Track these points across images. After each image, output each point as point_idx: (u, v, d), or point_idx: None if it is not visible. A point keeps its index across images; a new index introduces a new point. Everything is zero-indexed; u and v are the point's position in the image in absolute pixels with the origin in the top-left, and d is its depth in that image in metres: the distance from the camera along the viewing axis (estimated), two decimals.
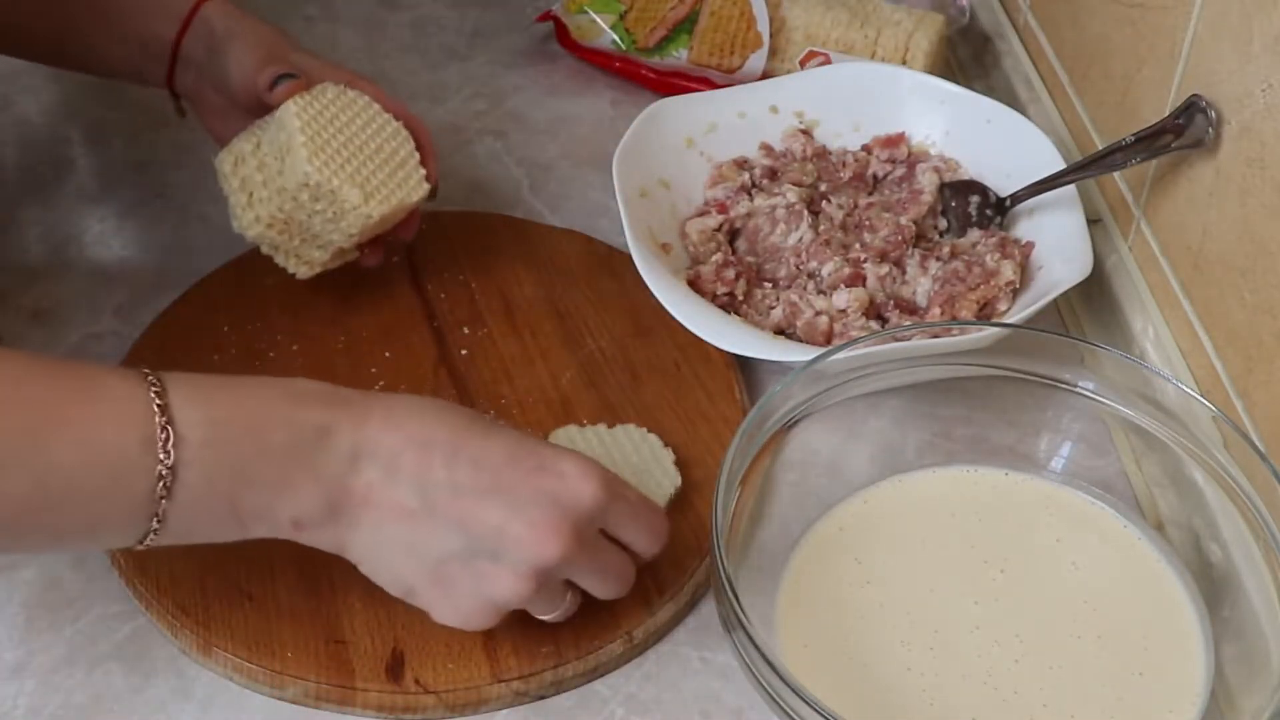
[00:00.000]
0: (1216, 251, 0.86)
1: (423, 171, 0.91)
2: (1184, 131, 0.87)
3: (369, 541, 0.71)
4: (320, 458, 0.69)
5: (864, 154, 1.05)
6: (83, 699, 0.76)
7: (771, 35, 1.14)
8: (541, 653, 0.78)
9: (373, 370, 0.92)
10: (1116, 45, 0.99)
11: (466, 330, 0.96)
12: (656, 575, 0.82)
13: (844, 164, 1.04)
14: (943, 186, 1.01)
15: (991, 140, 1.02)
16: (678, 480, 0.85)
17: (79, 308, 0.97)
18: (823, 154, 1.05)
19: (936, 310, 0.93)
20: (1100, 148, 0.98)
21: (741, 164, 1.03)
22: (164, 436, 0.66)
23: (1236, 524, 0.78)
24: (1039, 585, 0.80)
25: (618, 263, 1.00)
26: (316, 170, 0.85)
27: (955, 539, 0.82)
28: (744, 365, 0.94)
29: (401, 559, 0.71)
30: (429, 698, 0.76)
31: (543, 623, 0.79)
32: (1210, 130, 0.86)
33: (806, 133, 1.05)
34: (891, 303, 0.94)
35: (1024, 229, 0.99)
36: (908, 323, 0.92)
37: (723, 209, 1.00)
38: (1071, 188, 0.97)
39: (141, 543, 0.69)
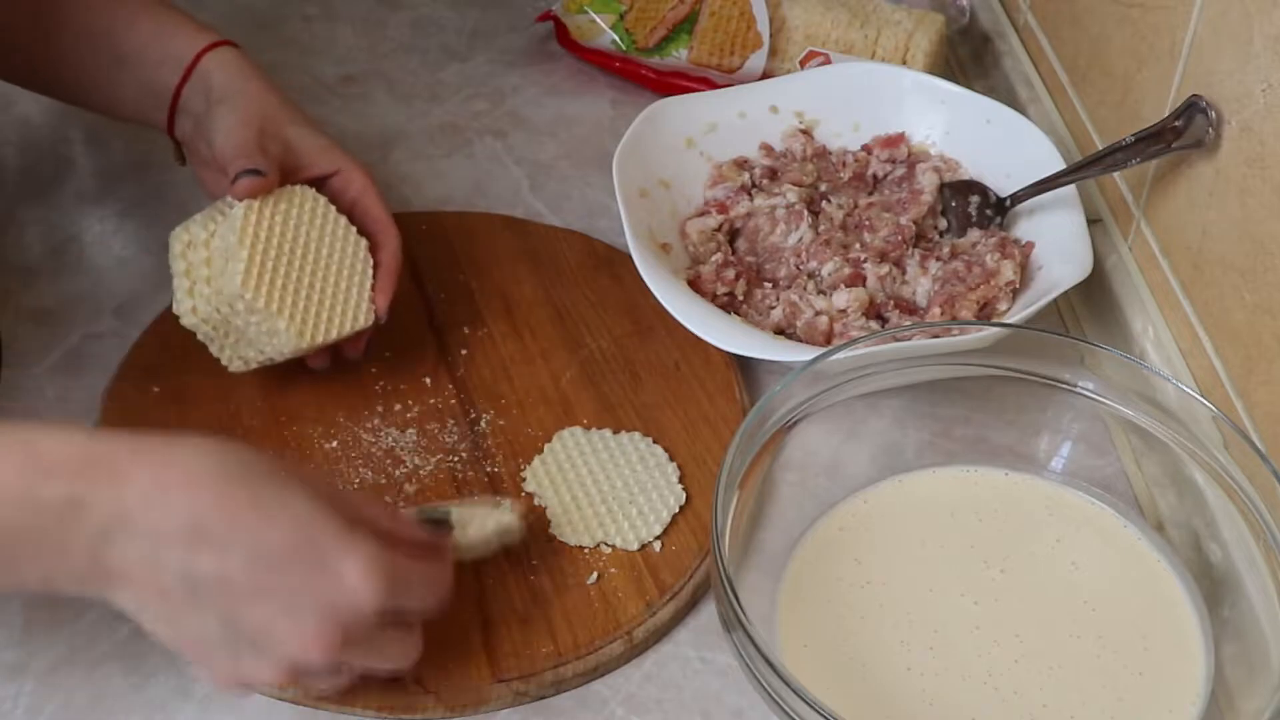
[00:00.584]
0: (1216, 251, 0.86)
1: (369, 300, 0.87)
2: (1184, 131, 0.87)
3: (128, 608, 0.68)
4: (66, 535, 0.64)
5: (864, 154, 1.05)
6: (83, 699, 0.76)
7: (771, 35, 1.14)
8: (541, 653, 0.78)
9: (373, 370, 0.92)
10: (1116, 45, 0.99)
11: (466, 330, 0.96)
12: (656, 575, 0.82)
13: (844, 164, 1.04)
14: (943, 186, 1.01)
15: (991, 140, 1.02)
16: (682, 498, 0.85)
17: (79, 308, 0.97)
18: (823, 154, 1.05)
19: (936, 310, 0.93)
20: (1100, 148, 0.98)
21: (741, 164, 1.03)
22: None
23: (1236, 524, 0.78)
24: (1039, 585, 0.80)
25: (618, 263, 1.00)
26: (250, 292, 0.82)
27: (955, 539, 0.82)
28: (744, 365, 0.94)
29: (162, 627, 0.68)
30: (429, 698, 0.76)
31: (543, 623, 0.79)
32: (1210, 130, 0.86)
33: (806, 133, 1.05)
34: (891, 303, 0.94)
35: (1024, 229, 0.99)
36: (908, 323, 0.92)
37: (723, 209, 1.00)
38: (1071, 188, 0.97)
39: None
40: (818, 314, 0.93)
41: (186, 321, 0.86)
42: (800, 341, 0.92)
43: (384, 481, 0.86)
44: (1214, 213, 0.86)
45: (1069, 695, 0.75)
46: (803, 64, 1.14)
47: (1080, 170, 0.95)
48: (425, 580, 0.72)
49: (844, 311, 0.93)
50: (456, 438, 0.89)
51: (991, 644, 0.77)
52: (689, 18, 1.15)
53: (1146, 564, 0.82)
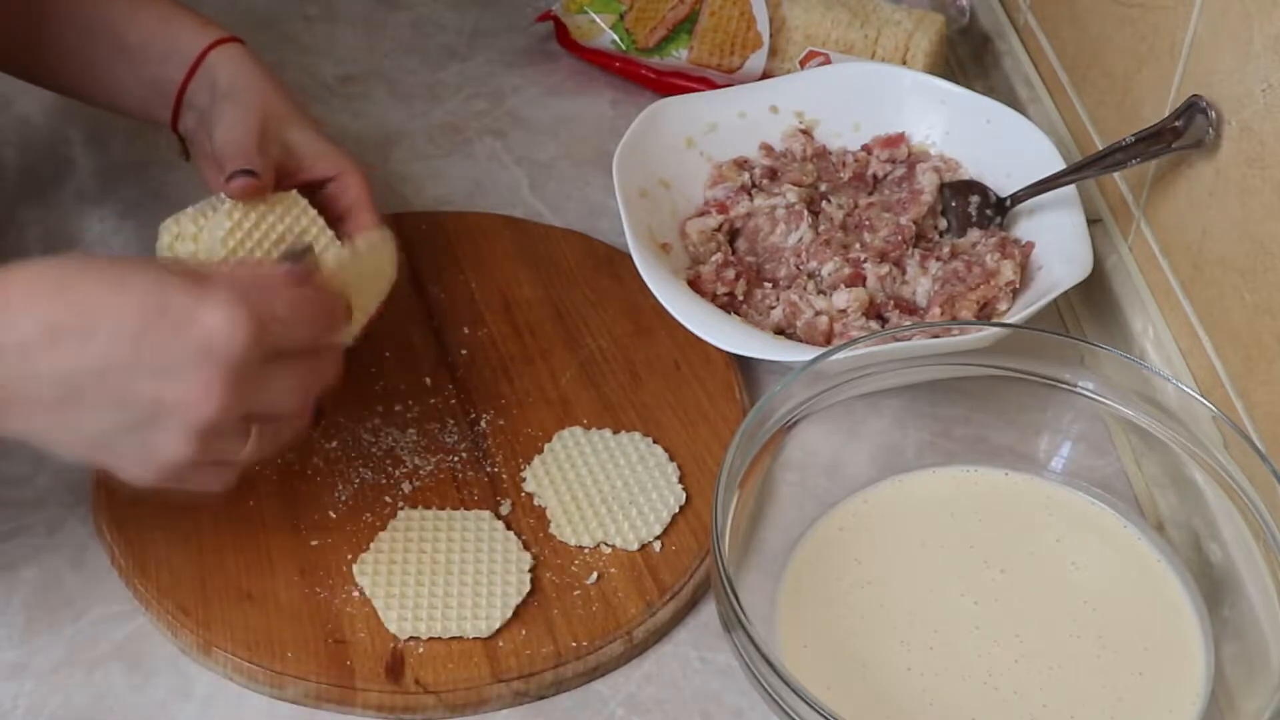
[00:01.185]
0: (1216, 251, 0.86)
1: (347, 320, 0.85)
2: (1184, 131, 0.87)
3: (24, 431, 0.69)
4: None
5: (864, 154, 1.05)
6: (83, 699, 0.76)
7: (771, 35, 1.14)
8: (541, 653, 0.78)
9: (372, 370, 0.92)
10: (1116, 45, 0.99)
11: (466, 330, 0.96)
12: (656, 575, 0.82)
13: (844, 164, 1.04)
14: (943, 186, 1.01)
15: (991, 140, 1.02)
16: (682, 498, 0.85)
17: None
18: (823, 154, 1.05)
19: (936, 310, 0.93)
20: (1100, 148, 0.98)
21: (741, 164, 1.03)
22: None
23: (1236, 524, 0.78)
24: (1039, 585, 0.80)
25: (618, 263, 1.00)
26: None
27: (955, 539, 0.82)
28: (744, 365, 0.94)
29: (62, 439, 0.69)
30: (429, 698, 0.76)
31: (543, 623, 0.79)
32: (1210, 130, 0.86)
33: (806, 133, 1.05)
34: (891, 303, 0.94)
35: (1024, 229, 0.99)
36: (908, 323, 0.92)
37: (723, 209, 1.00)
38: (1071, 188, 0.97)
39: None
40: (818, 314, 0.93)
41: None
42: (800, 341, 0.92)
43: (384, 481, 0.86)
44: (1214, 213, 0.86)
45: (1069, 695, 0.75)
46: (803, 64, 1.14)
47: (1080, 170, 0.95)
48: (294, 305, 0.71)
49: (844, 311, 0.93)
50: (456, 438, 0.89)
51: (991, 644, 0.77)
52: (689, 18, 1.15)
53: (1146, 564, 0.82)
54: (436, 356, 0.94)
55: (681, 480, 0.86)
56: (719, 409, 0.91)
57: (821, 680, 0.74)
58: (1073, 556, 0.82)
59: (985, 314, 0.93)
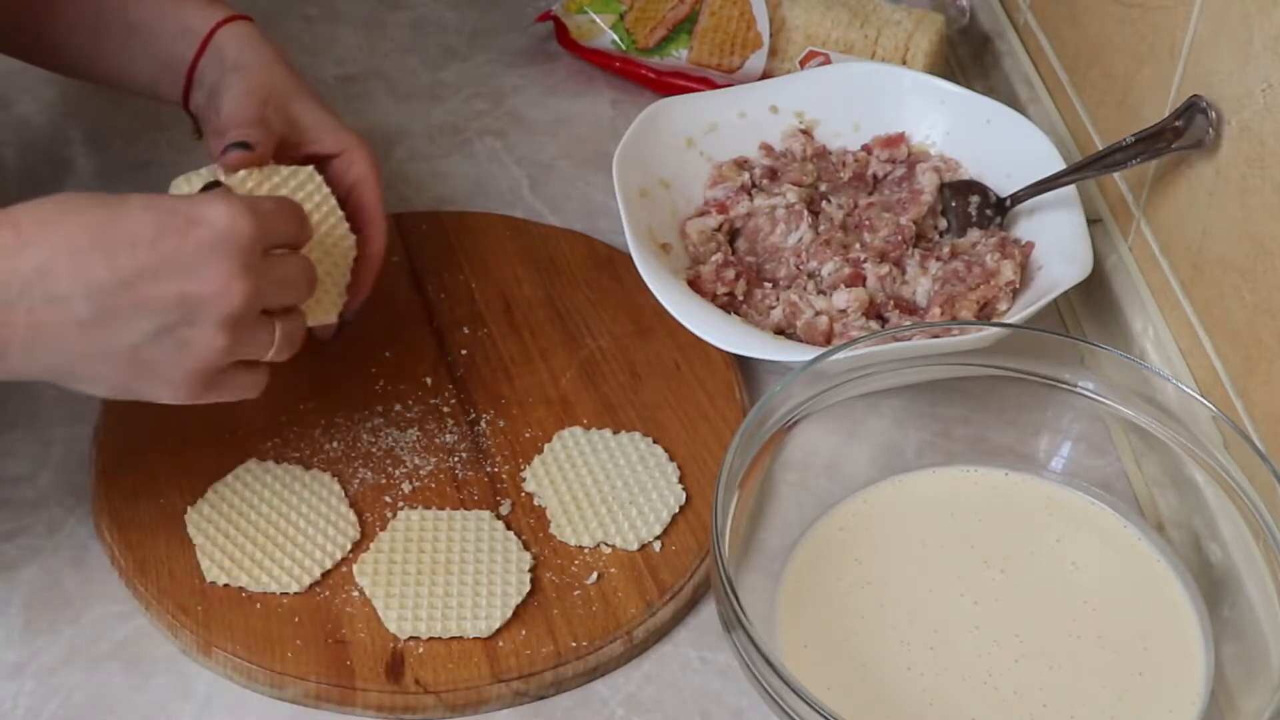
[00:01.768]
0: (1216, 251, 0.86)
1: (341, 297, 0.85)
2: (1184, 131, 0.87)
3: (56, 363, 0.71)
4: None
5: (864, 154, 1.05)
6: (83, 699, 0.76)
7: (771, 35, 1.14)
8: (541, 653, 0.78)
9: (373, 370, 0.92)
10: (1116, 45, 0.99)
11: (466, 330, 0.96)
12: (656, 575, 0.82)
13: (844, 164, 1.04)
14: (943, 186, 1.01)
15: (991, 140, 1.02)
16: (682, 498, 0.85)
17: None
18: (823, 154, 1.05)
19: (936, 310, 0.93)
20: (1100, 148, 0.98)
21: (741, 164, 1.03)
22: None
23: (1236, 524, 0.78)
24: (1039, 585, 0.80)
25: (618, 263, 1.00)
26: None
27: (955, 539, 0.82)
28: (744, 365, 0.94)
29: (98, 365, 0.71)
30: (429, 698, 0.76)
31: (543, 623, 0.79)
32: (1210, 130, 0.86)
33: (806, 133, 1.05)
34: (891, 303, 0.94)
35: (1024, 229, 0.99)
36: (908, 323, 0.92)
37: (723, 209, 1.00)
38: (1071, 188, 0.97)
39: None
40: (818, 314, 0.93)
41: None
42: (800, 341, 0.92)
43: (384, 481, 0.86)
44: (1214, 213, 0.86)
45: (1069, 695, 0.75)
46: (803, 64, 1.14)
47: (1080, 170, 0.95)
48: (277, 204, 0.76)
49: (844, 311, 0.93)
50: (456, 438, 0.89)
51: (991, 644, 0.77)
52: (689, 18, 1.15)
53: (1146, 564, 0.82)
54: (436, 356, 0.94)
55: (681, 480, 0.86)
56: (719, 409, 0.91)
57: (821, 680, 0.74)
58: (1073, 556, 0.82)
59: (985, 314, 0.93)
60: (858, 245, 0.97)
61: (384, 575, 0.80)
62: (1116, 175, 0.98)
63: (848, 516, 0.83)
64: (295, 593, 0.79)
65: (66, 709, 0.76)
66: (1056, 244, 0.95)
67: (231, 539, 0.81)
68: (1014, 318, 0.90)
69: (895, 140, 1.05)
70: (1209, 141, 0.86)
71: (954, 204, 1.00)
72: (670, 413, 0.91)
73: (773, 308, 0.94)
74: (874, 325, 0.93)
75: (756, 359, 0.90)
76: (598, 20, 1.17)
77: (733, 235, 1.00)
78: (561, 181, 1.10)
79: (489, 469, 0.87)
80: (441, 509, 0.84)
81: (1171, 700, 0.75)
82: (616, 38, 1.16)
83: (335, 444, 0.88)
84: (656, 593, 0.81)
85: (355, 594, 0.80)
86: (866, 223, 0.99)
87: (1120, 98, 0.99)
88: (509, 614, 0.79)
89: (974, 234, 0.98)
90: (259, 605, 0.79)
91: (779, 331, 0.93)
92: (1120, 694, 0.75)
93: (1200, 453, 0.80)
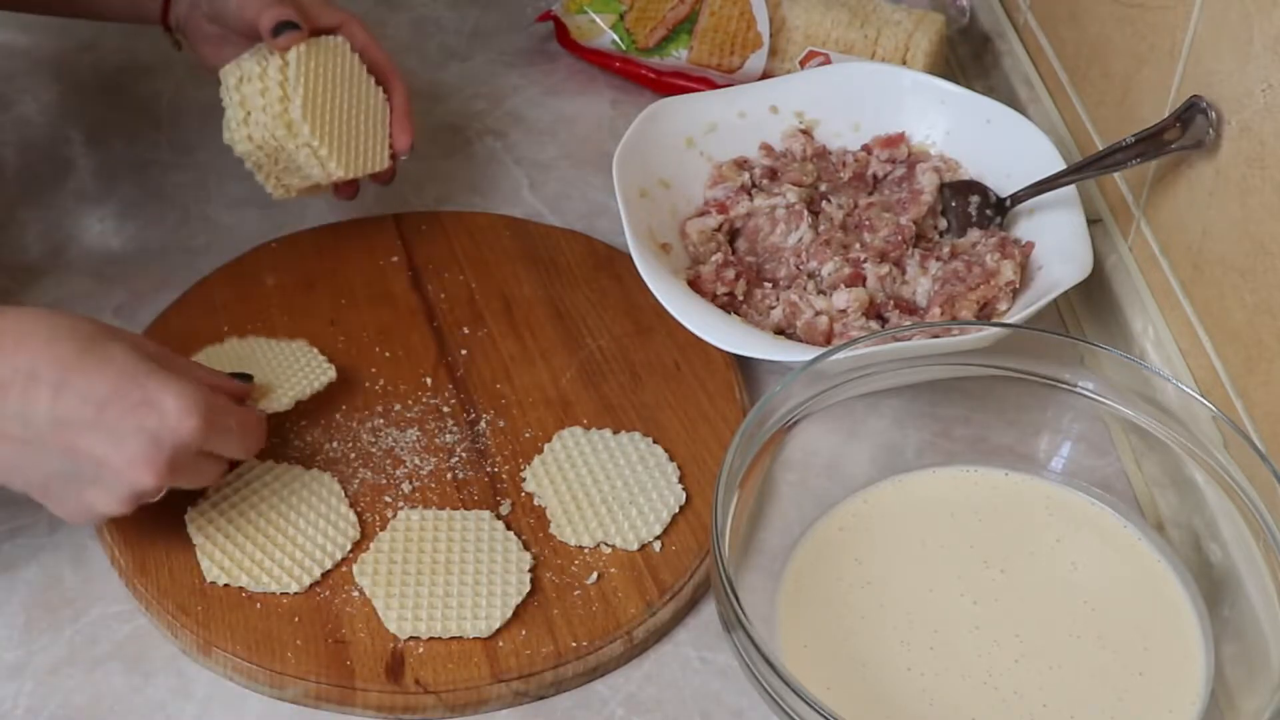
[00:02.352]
0: (1216, 251, 0.86)
1: (386, 145, 0.97)
2: (1184, 132, 0.87)
3: None
4: None
5: (864, 154, 1.05)
6: (83, 699, 0.76)
7: (771, 35, 1.14)
8: (541, 653, 0.78)
9: (373, 370, 0.92)
10: (1116, 45, 0.99)
11: (466, 330, 0.96)
12: (656, 575, 0.82)
13: (844, 164, 1.04)
14: (943, 186, 1.01)
15: (991, 140, 1.02)
16: (682, 498, 0.85)
17: (79, 308, 0.96)
18: (823, 154, 1.05)
19: (936, 310, 0.93)
20: (1100, 148, 0.98)
21: (741, 164, 1.03)
22: None
23: (1236, 524, 0.78)
24: (1039, 585, 0.80)
25: (618, 263, 1.00)
26: (308, 125, 0.91)
27: (955, 539, 0.82)
28: (744, 365, 0.94)
29: (11, 472, 0.75)
30: (429, 698, 0.76)
31: (543, 623, 0.79)
32: (1210, 130, 0.86)
33: (806, 133, 1.05)
34: (891, 303, 0.94)
35: (1024, 229, 0.99)
36: (908, 323, 0.92)
37: (723, 209, 1.00)
38: (1071, 188, 0.97)
39: None
40: (818, 314, 0.93)
41: (241, 149, 0.92)
42: (800, 341, 0.92)
43: (384, 481, 0.86)
44: (1214, 213, 0.86)
45: (1069, 695, 0.75)
46: (803, 64, 1.14)
47: (1080, 170, 0.95)
48: (241, 424, 0.79)
49: (844, 311, 0.93)
50: (456, 438, 0.89)
51: (991, 644, 0.77)
52: (689, 18, 1.15)
53: (1146, 564, 0.82)
54: (436, 356, 0.94)
55: (681, 480, 0.86)
56: (719, 409, 0.91)
57: (821, 680, 0.74)
58: (1073, 556, 0.82)
59: (985, 314, 0.93)
60: (858, 245, 0.97)
61: (384, 575, 0.80)
62: (1116, 175, 0.98)
63: (848, 516, 0.83)
64: (295, 593, 0.80)
65: (66, 709, 0.76)
66: (1056, 244, 0.95)
67: (231, 539, 0.81)
68: (1014, 318, 0.90)
69: (895, 140, 1.05)
70: (1209, 141, 0.86)
71: (954, 204, 1.00)
72: (670, 413, 0.91)
73: (773, 308, 0.94)
74: (874, 325, 0.93)
75: (756, 359, 0.90)
76: (598, 20, 1.17)
77: (733, 235, 1.00)
78: (561, 181, 1.10)
79: (489, 469, 0.87)
80: (441, 509, 0.84)
81: (1171, 700, 0.75)
82: (616, 38, 1.16)
83: (335, 444, 0.88)
84: (656, 593, 0.81)
85: (355, 594, 0.80)
86: (866, 223, 0.99)
87: (1120, 98, 0.99)
88: (509, 614, 0.79)
89: (974, 234, 0.98)
90: (259, 605, 0.79)
91: (779, 331, 0.93)
92: (1120, 694, 0.75)
93: (1200, 453, 0.80)
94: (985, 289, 0.93)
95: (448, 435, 0.89)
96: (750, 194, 1.01)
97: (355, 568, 0.81)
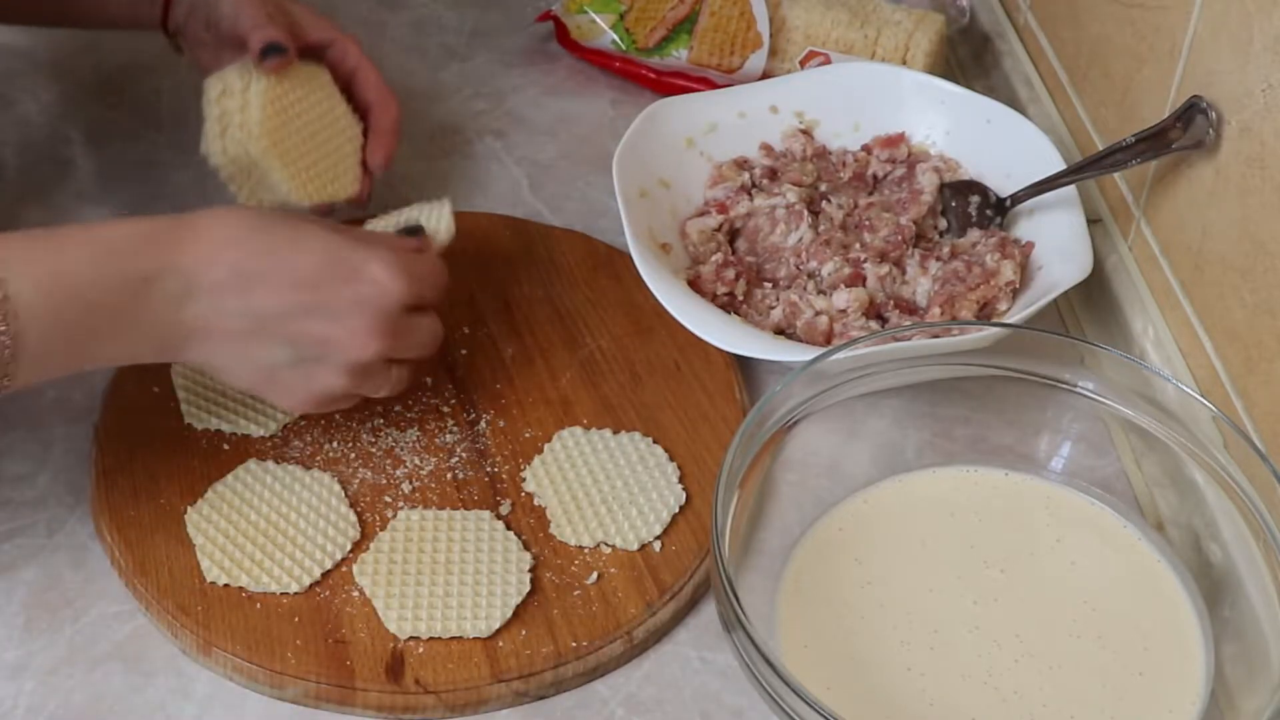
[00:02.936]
0: (1216, 251, 0.86)
1: (358, 170, 0.98)
2: (1184, 132, 0.87)
3: (207, 358, 0.79)
4: (148, 305, 0.75)
5: (864, 154, 1.05)
6: (83, 699, 0.76)
7: (771, 35, 1.14)
8: (541, 653, 0.78)
9: None
10: (1116, 45, 0.99)
11: (466, 330, 0.96)
12: (656, 575, 0.82)
13: (844, 164, 1.04)
14: (943, 186, 1.01)
15: (991, 140, 1.02)
16: (682, 498, 0.85)
17: None
18: (823, 154, 1.05)
19: (936, 310, 0.93)
20: (1100, 148, 0.98)
21: (741, 164, 1.03)
22: (1, 312, 0.71)
23: (1236, 524, 0.78)
24: (1039, 585, 0.80)
25: (618, 263, 1.00)
26: (262, 151, 0.91)
27: (955, 539, 0.82)
28: (744, 365, 0.94)
29: (237, 368, 0.79)
30: (429, 698, 0.76)
31: (543, 623, 0.79)
32: (1210, 130, 0.86)
33: (806, 133, 1.05)
34: (891, 303, 0.94)
35: (1024, 229, 0.99)
36: (908, 323, 0.92)
37: (723, 209, 1.00)
38: (1071, 188, 0.97)
39: None
40: (818, 314, 0.93)
41: (215, 161, 0.93)
42: (800, 341, 0.92)
43: (384, 482, 0.86)
44: (1214, 213, 0.86)
45: (1069, 695, 0.75)
46: (803, 64, 1.14)
47: (1080, 170, 0.95)
48: (430, 270, 0.84)
49: (844, 311, 0.93)
50: (456, 438, 0.89)
51: (991, 644, 0.77)
52: (689, 18, 1.15)
53: (1146, 564, 0.82)
54: (436, 357, 0.94)
55: (681, 480, 0.86)
56: (719, 409, 0.91)
57: (821, 680, 0.74)
58: (1073, 556, 0.82)
59: (985, 314, 0.93)
60: (858, 245, 0.97)
61: (384, 575, 0.80)
62: (1116, 175, 0.98)
63: (848, 516, 0.83)
64: (295, 593, 0.80)
65: (66, 709, 0.76)
66: (1056, 244, 0.95)
67: (231, 539, 0.81)
68: (1014, 318, 0.90)
69: (895, 140, 1.05)
70: (1209, 141, 0.86)
71: (954, 204, 1.00)
72: (670, 413, 0.91)
73: (773, 308, 0.94)
74: (874, 325, 0.93)
75: (756, 359, 0.90)
76: (598, 20, 1.17)
77: (733, 235, 1.00)
78: (561, 181, 1.10)
79: (489, 469, 0.87)
80: (441, 509, 0.84)
81: (1171, 700, 0.75)
82: (616, 38, 1.16)
83: (335, 444, 0.88)
84: (656, 593, 0.81)
85: (355, 594, 0.80)
86: (866, 223, 0.99)
87: (1120, 98, 0.99)
88: (509, 614, 0.79)
89: (974, 234, 0.98)
90: (259, 605, 0.79)
91: (779, 331, 0.93)
92: (1120, 694, 0.75)
93: (1200, 453, 0.80)
94: (985, 289, 0.93)
95: (448, 435, 0.89)
96: (750, 194, 1.01)
97: (355, 568, 0.81)
